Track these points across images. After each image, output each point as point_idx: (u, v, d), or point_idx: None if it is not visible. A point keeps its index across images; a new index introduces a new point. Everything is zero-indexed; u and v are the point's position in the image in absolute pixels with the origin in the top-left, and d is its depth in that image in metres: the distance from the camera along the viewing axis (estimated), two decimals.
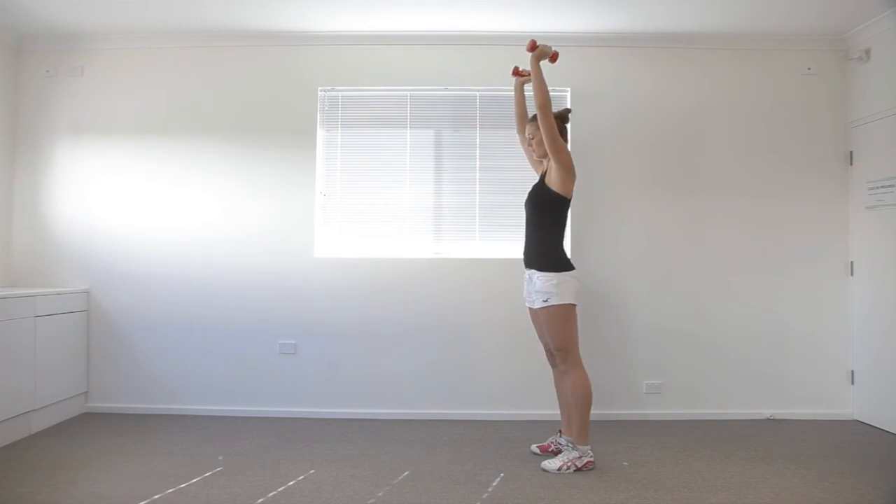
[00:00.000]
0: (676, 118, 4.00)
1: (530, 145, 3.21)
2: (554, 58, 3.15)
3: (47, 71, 4.04)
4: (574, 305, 2.98)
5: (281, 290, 3.95)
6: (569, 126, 3.25)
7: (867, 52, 3.80)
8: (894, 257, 3.60)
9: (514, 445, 3.33)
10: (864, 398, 3.83)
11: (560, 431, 3.16)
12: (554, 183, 3.01)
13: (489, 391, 3.91)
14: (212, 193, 4.00)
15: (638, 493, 2.68)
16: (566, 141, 3.13)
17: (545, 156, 3.09)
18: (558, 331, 2.96)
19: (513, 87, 3.43)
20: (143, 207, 4.01)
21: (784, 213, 3.97)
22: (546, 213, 3.07)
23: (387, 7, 3.62)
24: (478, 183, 4.00)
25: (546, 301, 2.96)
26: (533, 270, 3.05)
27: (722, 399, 3.92)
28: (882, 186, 3.68)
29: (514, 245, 3.99)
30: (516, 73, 3.37)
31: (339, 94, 4.06)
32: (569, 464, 2.92)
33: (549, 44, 3.11)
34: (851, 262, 3.94)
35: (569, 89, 4.01)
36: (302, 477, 2.85)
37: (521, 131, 3.35)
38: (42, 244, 4.02)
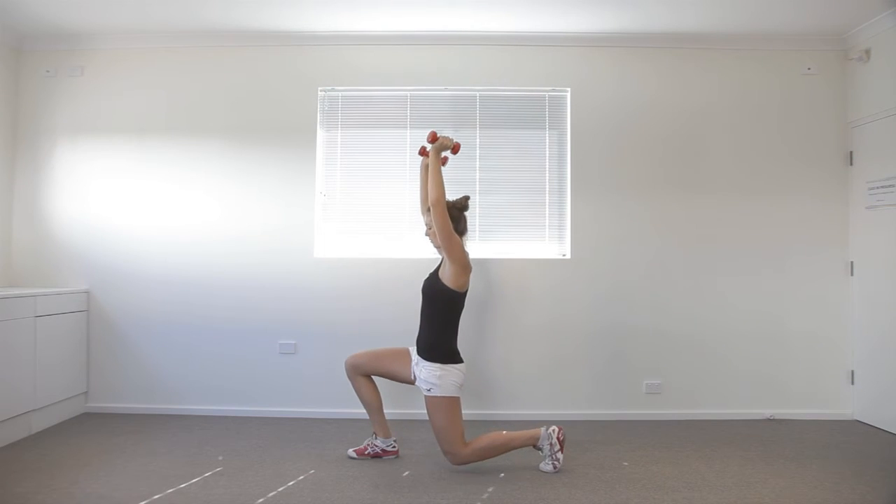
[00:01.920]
0: (676, 118, 4.00)
1: (427, 234, 3.11)
2: (455, 149, 3.09)
3: (47, 71, 4.04)
4: (457, 398, 2.92)
5: (281, 290, 3.95)
6: (471, 213, 3.14)
7: (867, 52, 3.80)
8: (894, 257, 3.60)
9: None
10: (864, 398, 3.83)
11: (375, 433, 3.15)
12: (447, 278, 2.93)
13: (489, 391, 3.90)
14: (212, 193, 4.00)
15: (638, 493, 2.68)
16: (465, 229, 3.06)
17: (440, 246, 2.99)
18: (441, 424, 2.88)
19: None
20: (143, 207, 4.01)
21: (784, 212, 3.97)
22: (437, 306, 2.98)
23: (387, 7, 3.62)
24: (478, 183, 4.00)
25: (429, 391, 2.90)
26: (420, 358, 2.98)
27: (722, 399, 3.92)
28: (882, 186, 3.68)
29: (513, 245, 4.01)
30: (423, 153, 3.22)
31: (339, 94, 4.06)
32: (554, 457, 2.92)
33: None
34: (851, 262, 3.94)
35: (569, 89, 4.01)
36: (302, 477, 2.85)
37: (424, 213, 3.22)
38: (42, 244, 4.02)
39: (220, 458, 3.11)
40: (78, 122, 4.03)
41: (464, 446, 2.90)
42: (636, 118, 3.99)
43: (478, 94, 4.04)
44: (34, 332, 3.48)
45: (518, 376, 3.92)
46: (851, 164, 3.95)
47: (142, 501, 2.55)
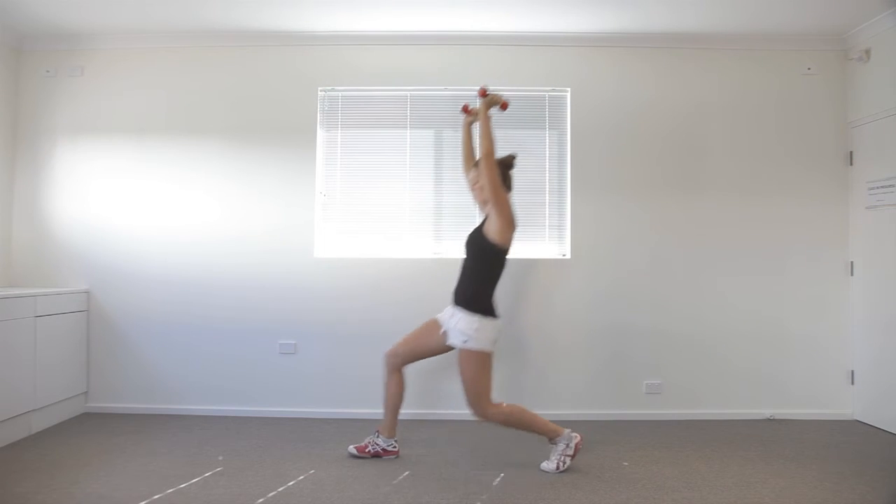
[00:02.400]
0: (676, 118, 4.00)
1: (473, 189, 3.13)
2: (504, 106, 3.10)
3: (47, 71, 4.04)
4: (489, 354, 2.93)
5: (281, 290, 3.95)
6: (513, 172, 3.12)
7: (867, 52, 3.80)
8: (894, 257, 3.60)
9: (514, 445, 3.33)
10: (864, 398, 3.83)
11: (378, 431, 3.15)
12: (492, 232, 2.92)
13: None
14: (212, 193, 4.00)
15: (638, 493, 2.68)
16: (510, 188, 3.06)
17: (486, 202, 2.98)
18: (471, 378, 2.90)
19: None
20: (143, 207, 4.01)
21: (784, 213, 3.97)
22: (481, 260, 2.99)
23: (387, 7, 3.62)
24: None
25: (465, 342, 2.90)
26: (459, 309, 2.97)
27: (722, 399, 3.92)
28: (882, 186, 3.68)
29: (513, 245, 3.99)
30: (466, 110, 3.25)
31: (339, 94, 4.06)
32: (562, 459, 2.93)
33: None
34: (851, 262, 3.94)
35: (569, 89, 4.01)
36: (302, 477, 2.85)
37: (466, 171, 3.25)
38: (42, 244, 4.02)
39: (220, 458, 3.11)
40: (78, 122, 4.03)
41: (490, 404, 2.93)
42: (636, 118, 3.99)
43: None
44: (34, 332, 3.48)
45: (518, 376, 3.92)
46: (851, 164, 3.95)
47: (142, 501, 2.55)
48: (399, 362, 3.13)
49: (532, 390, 3.90)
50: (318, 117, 4.03)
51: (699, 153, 4.00)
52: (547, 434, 2.98)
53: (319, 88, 4.04)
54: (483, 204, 3.09)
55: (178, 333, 3.96)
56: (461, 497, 2.63)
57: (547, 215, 4.01)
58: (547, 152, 4.03)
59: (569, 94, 4.01)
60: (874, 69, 3.78)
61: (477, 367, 2.90)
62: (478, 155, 3.00)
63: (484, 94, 3.04)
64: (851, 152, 3.96)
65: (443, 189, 4.03)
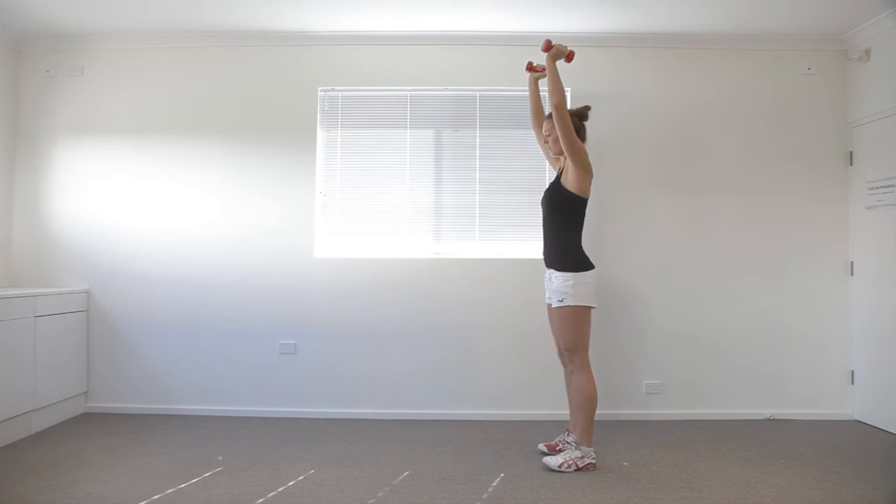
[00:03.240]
0: (677, 118, 4.00)
1: (546, 142, 3.19)
2: (570, 57, 3.14)
3: (47, 71, 4.04)
4: (589, 308, 2.97)
5: (281, 290, 3.95)
6: (587, 124, 3.20)
7: (867, 52, 3.80)
8: (894, 257, 3.60)
9: (515, 445, 3.33)
10: (864, 398, 3.83)
11: (568, 430, 3.15)
12: (570, 182, 2.98)
13: (489, 391, 3.90)
14: (212, 193, 4.00)
15: (638, 493, 2.68)
16: (584, 139, 3.10)
17: (561, 153, 3.05)
18: (568, 331, 2.97)
19: (527, 84, 3.40)
20: (143, 207, 4.01)
21: (784, 212, 3.97)
22: (562, 212, 3.04)
23: (387, 7, 3.62)
24: (478, 183, 4.00)
25: (562, 301, 2.95)
26: (552, 270, 3.04)
27: (722, 399, 3.92)
28: (882, 186, 3.68)
29: (514, 245, 4.01)
30: (530, 68, 3.36)
31: (339, 94, 4.06)
32: (570, 462, 2.92)
33: (563, 43, 3.11)
34: (851, 262, 3.94)
35: (569, 89, 4.00)
36: (302, 477, 2.85)
37: (537, 127, 3.33)
38: (42, 244, 4.02)
39: (220, 458, 3.11)
40: (78, 122, 4.03)
41: (586, 359, 2.95)
42: (636, 118, 3.99)
43: (478, 94, 4.03)
44: (34, 332, 3.48)
45: (518, 376, 3.92)
46: (851, 164, 3.95)
47: (142, 501, 2.55)
48: (562, 359, 3.14)
49: (532, 390, 3.90)
50: (318, 117, 4.03)
51: (699, 153, 4.00)
52: (583, 433, 2.95)
53: (319, 88, 4.04)
54: (556, 156, 3.16)
55: (178, 333, 3.96)
56: (461, 497, 2.63)
57: None
58: None
59: (569, 95, 4.01)
60: (874, 69, 3.78)
61: (575, 323, 2.95)
62: (547, 109, 3.05)
63: (549, 46, 3.07)
64: (851, 152, 3.95)
65: (443, 189, 4.03)
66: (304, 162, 3.99)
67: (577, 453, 2.94)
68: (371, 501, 2.58)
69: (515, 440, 3.43)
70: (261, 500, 2.58)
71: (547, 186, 3.18)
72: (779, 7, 3.56)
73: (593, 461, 2.95)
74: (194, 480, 2.79)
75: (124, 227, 4.01)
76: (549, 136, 3.14)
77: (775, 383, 3.92)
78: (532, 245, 3.99)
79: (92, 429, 3.60)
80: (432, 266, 3.96)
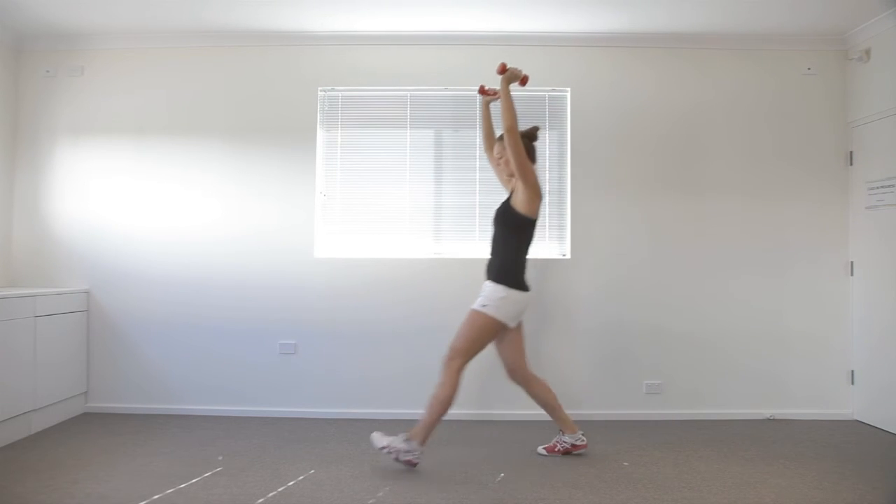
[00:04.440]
0: (676, 118, 4.00)
1: (498, 165, 3.20)
2: (524, 81, 3.15)
3: (47, 71, 4.04)
4: (502, 325, 2.99)
5: (281, 290, 3.95)
6: (536, 144, 3.20)
7: (867, 52, 3.80)
8: (894, 257, 3.60)
9: (515, 446, 3.33)
10: (864, 398, 3.83)
11: (562, 430, 3.17)
12: (519, 204, 3.00)
13: (489, 391, 3.90)
14: (212, 193, 4.00)
15: (638, 493, 2.68)
16: (534, 160, 3.12)
17: (513, 175, 3.05)
18: (466, 335, 2.98)
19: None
20: (143, 207, 4.01)
21: (784, 213, 3.97)
22: (510, 232, 3.06)
23: (387, 7, 3.62)
24: (478, 183, 4.00)
25: (484, 306, 2.97)
26: (489, 281, 3.05)
27: (722, 399, 3.92)
28: (882, 186, 3.68)
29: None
30: (482, 91, 3.33)
31: (339, 94, 4.06)
32: (393, 450, 2.90)
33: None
34: (851, 262, 3.94)
35: (569, 89, 4.01)
36: (302, 477, 2.85)
37: (488, 149, 3.33)
38: (42, 244, 4.02)
39: (220, 458, 3.10)
40: (78, 122, 4.03)
41: (459, 366, 2.97)
42: (636, 118, 3.99)
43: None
44: (34, 332, 3.48)
45: None
46: (851, 164, 3.95)
47: (142, 501, 2.54)
48: (517, 376, 3.20)
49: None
50: (318, 117, 4.03)
51: (699, 153, 4.00)
52: (421, 429, 2.93)
53: (319, 88, 4.04)
54: (508, 178, 3.17)
55: (178, 333, 3.96)
56: (461, 497, 2.63)
57: (547, 215, 4.01)
58: (547, 152, 4.02)
59: (569, 95, 4.01)
60: (874, 69, 3.78)
61: (476, 332, 2.98)
62: (498, 131, 3.07)
63: (503, 69, 3.09)
64: (851, 152, 3.95)
65: (443, 189, 4.03)
66: (304, 162, 3.99)
67: (404, 445, 2.91)
68: (371, 501, 2.58)
69: (515, 440, 3.43)
70: (261, 500, 2.58)
71: (497, 206, 3.17)
72: (779, 7, 3.56)
73: (416, 460, 2.92)
74: (194, 480, 2.79)
75: (124, 227, 4.01)
76: (500, 158, 3.15)
77: (775, 383, 3.92)
78: (532, 245, 3.99)
79: (92, 429, 3.60)
80: (432, 266, 3.96)
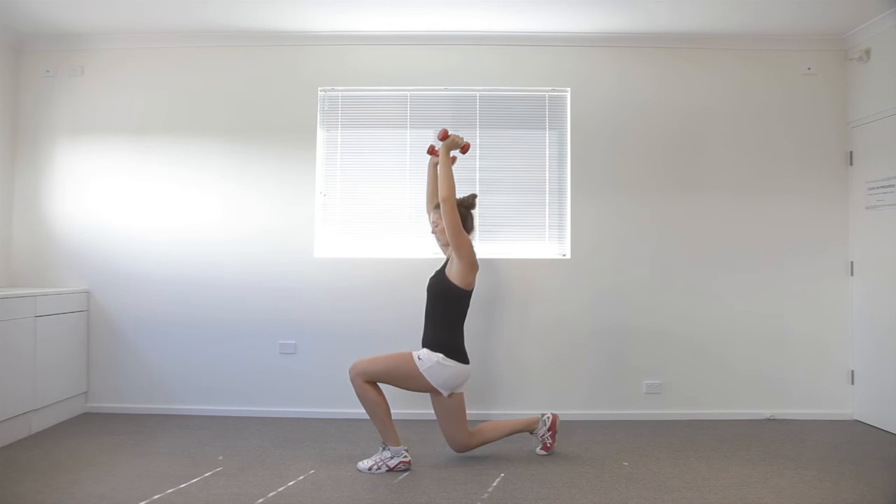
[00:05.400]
0: (677, 118, 4.00)
1: (433, 232, 3.18)
2: (465, 149, 3.16)
3: (47, 71, 4.04)
4: (426, 385, 2.92)
5: (281, 290, 3.95)
6: (475, 212, 3.18)
7: (867, 52, 3.80)
8: (894, 257, 3.60)
9: (515, 446, 3.33)
10: (864, 398, 3.83)
11: (531, 431, 3.21)
12: (454, 275, 2.96)
13: (489, 391, 3.90)
14: (212, 193, 4.00)
15: (638, 493, 2.68)
16: (471, 228, 3.10)
17: (448, 244, 3.02)
18: (383, 361, 2.92)
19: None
20: (143, 207, 4.01)
21: (784, 212, 3.97)
22: (444, 303, 3.01)
23: (387, 7, 3.62)
24: (478, 183, 4.00)
25: (419, 358, 2.91)
26: (425, 349, 2.99)
27: (722, 399, 3.92)
28: (882, 186, 3.68)
29: (514, 245, 4.01)
30: (432, 151, 3.29)
31: (339, 94, 4.06)
32: (380, 464, 2.92)
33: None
34: (851, 262, 3.94)
35: (569, 89, 4.01)
36: (302, 477, 2.85)
37: (430, 211, 3.29)
38: (42, 244, 4.02)
39: (220, 458, 3.11)
40: (78, 122, 4.03)
41: (361, 381, 2.89)
42: (636, 118, 3.99)
43: (478, 94, 4.03)
44: (34, 332, 3.48)
45: (518, 376, 3.92)
46: (851, 164, 3.95)
47: (142, 501, 2.55)
48: (462, 447, 3.11)
49: (532, 390, 3.90)
50: (318, 117, 4.03)
51: (699, 153, 4.00)
52: (384, 434, 2.93)
53: (319, 88, 4.04)
54: (445, 246, 3.15)
55: (178, 333, 3.96)
56: (461, 497, 2.63)
57: (547, 215, 4.01)
58: (547, 152, 4.03)
59: (569, 95, 4.01)
60: (874, 69, 3.78)
61: (395, 368, 2.91)
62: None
63: (445, 136, 3.09)
64: (851, 152, 3.95)
65: None
66: (304, 162, 3.99)
67: (387, 454, 2.93)
68: (371, 501, 2.58)
69: (515, 440, 3.42)
70: (261, 500, 2.58)
71: (433, 274, 3.13)
72: (779, 7, 3.57)
73: (406, 460, 2.93)
74: (194, 480, 2.79)
75: (124, 227, 4.01)
76: (436, 226, 3.13)
77: (775, 383, 3.93)
78: (532, 245, 4.00)
79: (92, 429, 3.60)
80: (432, 266, 3.92)
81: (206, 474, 2.87)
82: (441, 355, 2.93)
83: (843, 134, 3.99)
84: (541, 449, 3.20)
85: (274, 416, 3.87)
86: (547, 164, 4.03)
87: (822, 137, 3.99)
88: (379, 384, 2.99)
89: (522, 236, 4.02)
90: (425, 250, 4.01)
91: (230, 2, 3.56)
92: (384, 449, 2.95)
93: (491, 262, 3.92)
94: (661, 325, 3.93)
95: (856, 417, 3.88)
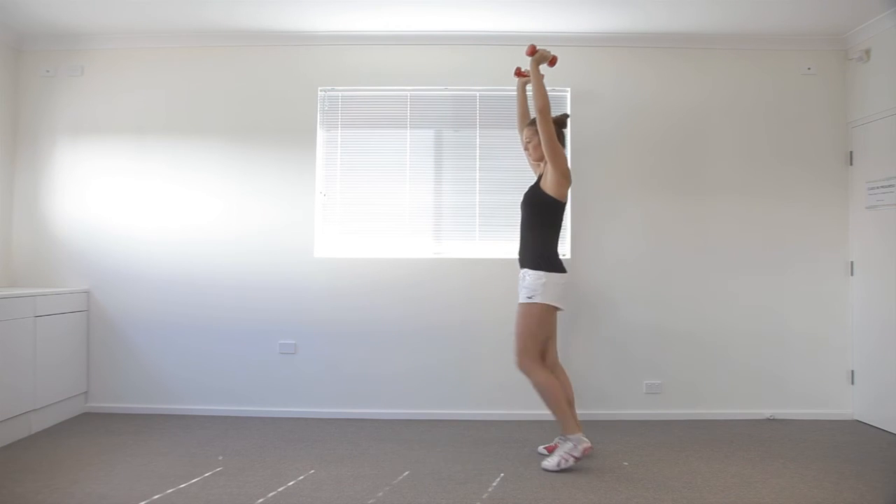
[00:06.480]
0: (676, 118, 4.00)
1: (527, 149, 3.24)
2: (553, 62, 3.18)
3: (47, 71, 4.04)
4: (555, 308, 3.01)
5: (281, 290, 3.95)
6: (567, 131, 3.25)
7: (867, 52, 3.80)
8: (894, 257, 3.60)
9: (514, 445, 3.33)
10: (864, 398, 3.83)
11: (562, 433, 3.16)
12: (549, 187, 3.03)
13: (489, 391, 3.90)
14: (212, 193, 4.00)
15: (638, 493, 2.68)
16: (564, 145, 3.15)
17: (542, 159, 3.11)
18: (525, 330, 2.99)
19: (515, 87, 3.44)
20: (143, 207, 4.01)
21: (784, 213, 3.97)
22: (540, 215, 3.09)
23: (387, 7, 3.62)
24: (478, 183, 4.00)
25: (530, 298, 2.98)
26: (526, 269, 3.07)
27: (722, 399, 3.92)
28: (882, 186, 3.68)
29: (513, 245, 3.98)
30: (518, 73, 3.40)
31: (339, 94, 4.06)
32: (566, 457, 2.93)
33: (548, 47, 3.13)
34: (851, 262, 3.94)
35: (569, 89, 4.01)
36: (302, 477, 2.85)
37: (521, 130, 3.37)
38: (42, 244, 4.02)
39: (220, 458, 3.11)
40: (78, 122, 4.03)
41: (534, 361, 2.98)
42: (636, 118, 3.99)
43: (478, 94, 4.03)
44: (34, 332, 3.48)
45: (518, 376, 3.90)
46: (851, 164, 3.95)
47: (142, 501, 2.55)
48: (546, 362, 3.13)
49: (532, 390, 3.89)
50: (318, 117, 4.03)
51: (699, 153, 4.00)
52: (564, 425, 2.96)
53: (319, 88, 4.04)
54: (537, 161, 3.21)
55: (178, 333, 3.96)
56: (461, 497, 2.63)
57: None
58: None
59: (569, 94, 4.01)
60: (874, 69, 3.78)
61: (534, 322, 2.98)
62: (532, 113, 3.09)
63: (533, 51, 3.11)
64: (851, 152, 3.95)
65: (443, 189, 4.03)
66: (304, 162, 3.99)
67: (568, 444, 2.94)
68: (371, 501, 2.58)
69: (515, 440, 3.43)
70: (261, 500, 2.58)
71: (526, 190, 3.20)
72: (779, 7, 3.56)
73: (588, 445, 2.94)
74: (194, 480, 2.79)
75: (124, 227, 4.01)
76: (528, 142, 3.20)
77: (775, 383, 3.92)
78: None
79: (92, 429, 3.60)
80: (432, 266, 3.96)
81: (206, 474, 2.87)
82: (542, 273, 2.97)
83: (843, 134, 3.99)
84: (544, 448, 3.19)
85: (274, 416, 3.87)
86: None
87: (822, 137, 3.99)
88: (552, 372, 3.05)
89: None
90: (425, 250, 4.01)
91: (230, 2, 3.56)
92: (564, 440, 2.95)
93: (490, 262, 3.93)
94: (661, 324, 3.93)
95: (856, 417, 3.88)
